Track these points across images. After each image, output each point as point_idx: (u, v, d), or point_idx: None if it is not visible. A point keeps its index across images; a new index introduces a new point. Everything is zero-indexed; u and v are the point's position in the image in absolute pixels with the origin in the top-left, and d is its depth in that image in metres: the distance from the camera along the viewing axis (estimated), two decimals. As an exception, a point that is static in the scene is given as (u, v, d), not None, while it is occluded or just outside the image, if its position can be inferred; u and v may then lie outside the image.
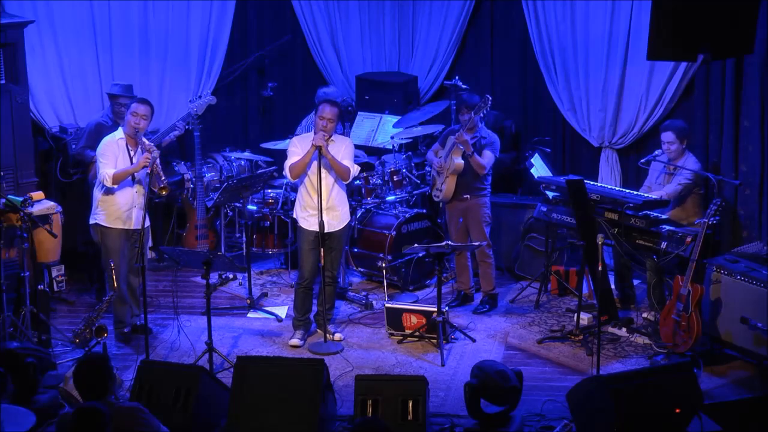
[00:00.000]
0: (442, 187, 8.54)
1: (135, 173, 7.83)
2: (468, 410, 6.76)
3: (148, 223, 7.90)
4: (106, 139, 7.94)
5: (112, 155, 7.85)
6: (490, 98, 8.20)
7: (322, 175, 7.73)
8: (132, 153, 7.88)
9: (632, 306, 8.54)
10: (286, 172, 7.90)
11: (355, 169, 7.94)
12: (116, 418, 5.53)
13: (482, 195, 8.49)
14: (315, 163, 7.74)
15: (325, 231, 7.77)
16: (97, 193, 7.92)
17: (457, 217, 8.55)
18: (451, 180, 8.44)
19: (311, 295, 8.13)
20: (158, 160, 7.75)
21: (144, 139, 7.86)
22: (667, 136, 8.24)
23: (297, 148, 7.87)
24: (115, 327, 8.10)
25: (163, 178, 7.75)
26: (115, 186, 7.80)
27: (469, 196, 8.46)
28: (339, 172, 7.81)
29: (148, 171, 7.72)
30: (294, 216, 8.12)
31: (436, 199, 8.80)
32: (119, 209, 7.87)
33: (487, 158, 8.36)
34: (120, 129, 7.98)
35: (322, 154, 7.69)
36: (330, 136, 7.78)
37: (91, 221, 7.98)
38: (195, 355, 7.68)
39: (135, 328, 8.13)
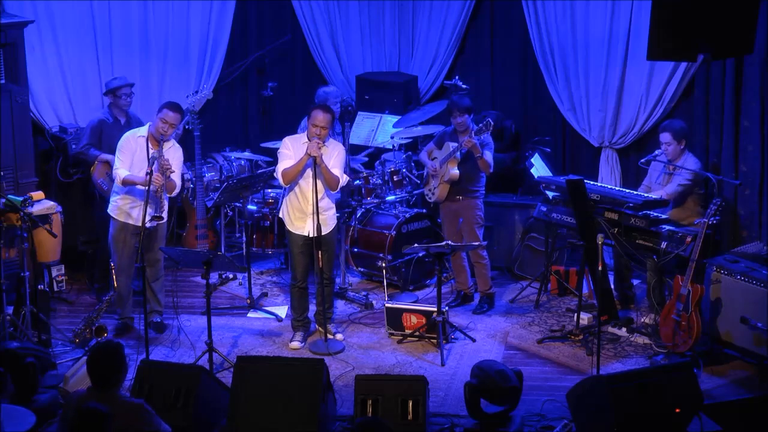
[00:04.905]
0: (435, 191, 8.56)
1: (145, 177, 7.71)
2: (468, 410, 6.76)
3: (153, 220, 7.85)
4: (127, 135, 7.95)
5: (129, 152, 7.86)
6: (492, 122, 8.21)
7: (313, 180, 7.68)
8: (151, 152, 7.85)
9: (632, 306, 8.55)
10: (278, 176, 7.82)
11: (343, 179, 7.92)
12: (121, 413, 5.53)
13: (475, 197, 8.50)
14: (308, 170, 7.69)
15: (314, 235, 7.75)
16: (114, 185, 7.98)
17: (453, 217, 8.55)
18: (444, 186, 8.45)
19: (307, 294, 8.13)
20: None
21: (165, 157, 7.76)
22: (665, 137, 8.24)
23: (289, 151, 7.81)
24: (118, 318, 8.21)
25: (163, 207, 7.79)
26: (125, 188, 7.83)
27: (461, 197, 8.47)
28: (328, 182, 7.75)
29: (155, 191, 7.71)
30: (281, 216, 8.09)
31: (428, 200, 8.82)
32: (126, 204, 7.90)
33: (490, 158, 8.37)
34: (146, 126, 7.95)
35: (317, 163, 7.65)
36: (323, 143, 7.74)
37: (108, 209, 8.05)
38: (195, 355, 7.68)
39: (155, 325, 8.18)
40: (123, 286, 8.11)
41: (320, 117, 7.66)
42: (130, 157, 7.85)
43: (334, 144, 7.92)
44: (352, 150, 9.49)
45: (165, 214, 7.96)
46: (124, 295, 8.15)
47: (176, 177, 7.89)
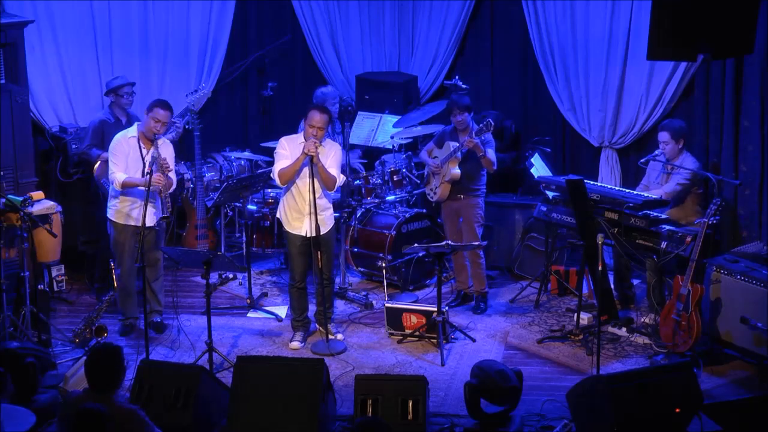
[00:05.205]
0: (437, 191, 8.56)
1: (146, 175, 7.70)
2: (468, 410, 6.77)
3: (153, 221, 7.84)
4: (118, 137, 7.91)
5: (122, 155, 7.82)
6: (492, 123, 8.20)
7: (310, 180, 7.68)
8: (145, 152, 7.82)
9: (632, 306, 8.54)
10: (275, 176, 7.81)
11: (340, 179, 7.91)
12: (116, 418, 5.53)
13: (476, 195, 8.51)
14: (305, 170, 7.69)
15: (312, 235, 7.75)
16: (111, 189, 7.95)
17: (454, 216, 8.56)
18: (446, 186, 8.45)
19: (306, 294, 8.12)
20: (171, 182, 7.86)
21: (163, 156, 7.75)
22: (663, 136, 8.25)
23: (285, 151, 7.79)
24: (122, 321, 8.19)
25: (168, 206, 7.75)
26: (122, 190, 7.81)
27: (462, 196, 8.48)
28: (325, 182, 7.74)
29: (159, 191, 7.70)
30: (278, 217, 8.09)
31: (430, 199, 8.83)
32: (125, 206, 7.88)
33: (493, 156, 8.38)
34: (134, 126, 7.94)
35: (314, 162, 7.65)
36: (320, 143, 7.72)
37: (107, 214, 8.01)
38: (195, 355, 7.68)
39: (154, 325, 8.17)
40: (130, 287, 8.09)
41: (317, 117, 7.65)
42: (124, 160, 7.82)
43: (330, 144, 7.91)
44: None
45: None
46: (132, 296, 8.13)
47: (172, 174, 7.90)
